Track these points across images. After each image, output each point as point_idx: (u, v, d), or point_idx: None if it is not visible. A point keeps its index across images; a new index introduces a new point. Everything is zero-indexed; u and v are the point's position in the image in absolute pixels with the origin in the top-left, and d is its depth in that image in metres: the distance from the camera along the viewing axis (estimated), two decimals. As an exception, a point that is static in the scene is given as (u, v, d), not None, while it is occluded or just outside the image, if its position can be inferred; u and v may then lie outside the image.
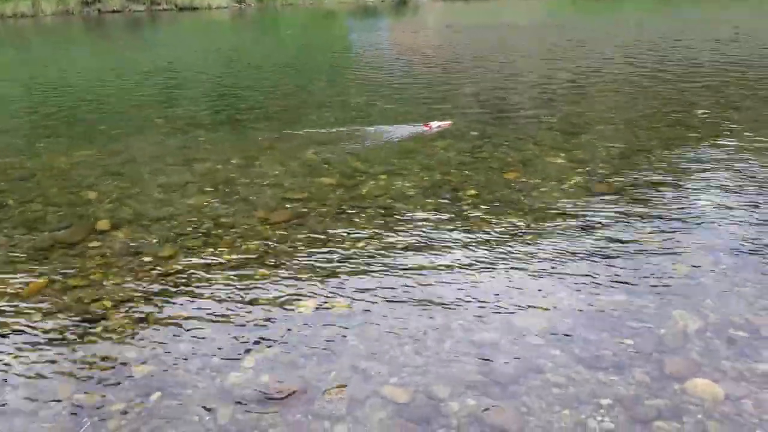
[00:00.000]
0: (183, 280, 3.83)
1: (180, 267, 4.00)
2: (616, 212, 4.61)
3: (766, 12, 21.65)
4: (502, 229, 4.41)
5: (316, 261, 4.02)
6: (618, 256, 3.94)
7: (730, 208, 4.62)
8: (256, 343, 3.17)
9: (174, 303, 3.59)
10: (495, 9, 25.75)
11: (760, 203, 4.69)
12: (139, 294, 3.70)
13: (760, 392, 2.69)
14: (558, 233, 4.30)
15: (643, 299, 3.44)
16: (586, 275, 3.72)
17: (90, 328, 3.36)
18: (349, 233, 4.42)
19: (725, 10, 23.02)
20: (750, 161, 5.63)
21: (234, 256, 4.11)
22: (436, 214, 4.70)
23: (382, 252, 4.11)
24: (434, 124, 7.25)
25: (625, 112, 7.81)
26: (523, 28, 19.14)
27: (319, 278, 3.80)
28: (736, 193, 4.91)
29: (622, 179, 5.30)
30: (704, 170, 5.45)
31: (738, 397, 2.67)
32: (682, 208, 4.66)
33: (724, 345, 3.01)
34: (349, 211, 4.80)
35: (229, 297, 3.62)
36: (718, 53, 12.32)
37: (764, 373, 2.81)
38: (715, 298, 3.42)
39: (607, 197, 4.90)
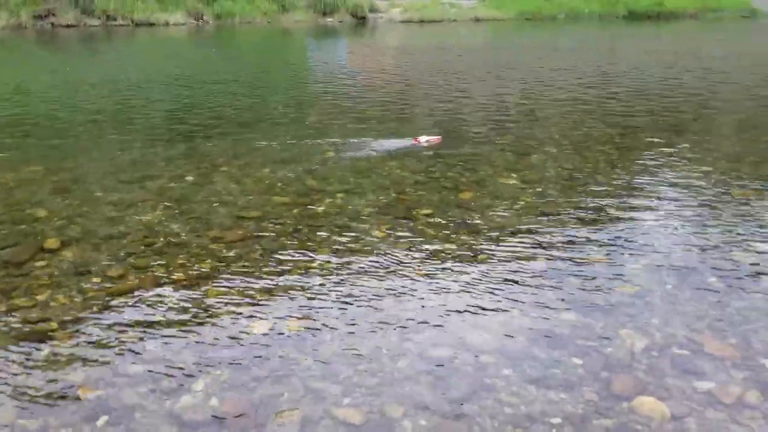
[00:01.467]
0: (133, 300, 3.76)
1: (130, 287, 3.93)
2: (565, 232, 4.72)
3: (715, 40, 22.52)
4: (456, 248, 4.47)
5: (269, 281, 4.00)
6: (568, 276, 4.03)
7: (675, 229, 4.77)
8: (208, 365, 3.13)
9: (123, 324, 3.52)
10: (449, 31, 26.17)
11: (702, 224, 4.85)
12: (87, 314, 3.62)
13: (703, 410, 2.78)
14: (510, 253, 4.37)
15: (591, 318, 3.52)
16: (537, 294, 3.79)
17: (35, 349, 3.27)
18: (304, 252, 4.42)
19: (675, 38, 23.87)
20: (693, 183, 5.83)
21: (186, 276, 4.06)
22: (390, 234, 4.73)
23: (337, 271, 4.12)
24: (423, 138, 7.37)
25: (573, 133, 8.01)
26: (476, 49, 19.50)
27: (273, 298, 3.78)
28: (680, 214, 5.08)
29: (572, 200, 5.43)
30: (650, 192, 5.62)
31: (682, 415, 2.75)
32: (629, 228, 4.79)
33: (669, 363, 3.10)
34: (305, 231, 4.80)
35: (180, 318, 3.57)
36: (664, 78, 12.75)
37: (707, 391, 2.90)
38: (660, 317, 3.52)
39: (557, 217, 5.01)
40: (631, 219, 4.98)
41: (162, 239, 4.64)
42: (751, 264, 4.17)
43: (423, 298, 3.76)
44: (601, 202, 5.35)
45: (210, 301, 3.75)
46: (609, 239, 4.59)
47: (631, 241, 4.55)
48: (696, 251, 4.38)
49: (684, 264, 4.18)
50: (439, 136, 7.51)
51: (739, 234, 4.66)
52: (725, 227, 4.79)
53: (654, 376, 3.01)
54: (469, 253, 4.39)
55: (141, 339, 3.37)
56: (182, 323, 3.51)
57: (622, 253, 4.36)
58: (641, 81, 12.38)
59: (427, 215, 5.10)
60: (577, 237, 4.63)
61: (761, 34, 24.52)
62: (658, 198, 5.45)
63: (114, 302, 3.75)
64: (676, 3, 31.42)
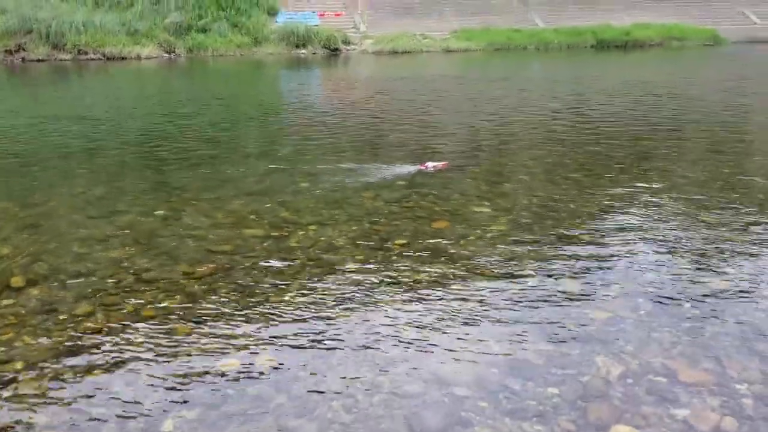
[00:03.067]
0: (100, 339, 3.67)
1: (97, 325, 3.84)
2: (539, 260, 4.72)
3: (680, 67, 23.06)
4: (431, 278, 4.44)
5: (240, 316, 3.93)
6: (542, 304, 4.02)
7: (647, 254, 4.81)
8: (177, 404, 3.04)
9: (90, 363, 3.42)
10: (421, 62, 26.50)
11: (674, 249, 4.90)
12: (53, 354, 3.52)
13: (679, 437, 2.76)
14: (484, 282, 4.36)
15: (566, 347, 3.51)
16: (512, 324, 3.77)
17: (-3, 393, 3.16)
18: (276, 286, 4.36)
19: (642, 66, 24.39)
20: (663, 209, 5.90)
21: (155, 313, 3.97)
22: (365, 265, 4.69)
23: (310, 305, 4.07)
24: (430, 164, 7.53)
25: (544, 161, 8.09)
26: (448, 80, 19.72)
27: (244, 334, 3.71)
28: (651, 239, 5.12)
29: (544, 228, 5.45)
30: (621, 218, 5.67)
31: (659, 442, 2.73)
32: (602, 255, 4.81)
33: (645, 391, 3.09)
34: (277, 264, 4.74)
35: (149, 356, 3.48)
36: (631, 105, 12.98)
37: (683, 418, 2.89)
38: (635, 344, 3.52)
39: (530, 246, 5.02)
40: (604, 246, 5.01)
41: (130, 275, 4.55)
42: (723, 289, 4.20)
43: (397, 331, 3.72)
44: (573, 230, 5.38)
45: (179, 338, 3.67)
46: (582, 267, 4.60)
47: (604, 268, 4.57)
48: (668, 277, 4.41)
49: (657, 290, 4.20)
50: (446, 162, 7.69)
51: (709, 259, 4.71)
52: (696, 252, 4.84)
53: (630, 404, 2.99)
54: (443, 283, 4.36)
55: (108, 379, 3.27)
56: (151, 361, 3.43)
57: (596, 280, 4.37)
58: (609, 108, 12.59)
59: (402, 245, 5.07)
60: (550, 265, 4.64)
61: (724, 62, 25.17)
62: (630, 224, 5.50)
63: (81, 341, 3.66)
64: (642, 33, 32.16)
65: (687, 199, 6.22)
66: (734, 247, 4.93)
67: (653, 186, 6.69)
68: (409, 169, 7.43)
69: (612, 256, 4.80)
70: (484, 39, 31.77)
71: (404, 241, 5.16)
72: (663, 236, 5.20)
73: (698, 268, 4.54)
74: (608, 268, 4.57)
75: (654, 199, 6.20)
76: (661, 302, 4.02)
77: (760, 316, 3.81)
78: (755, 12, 35.35)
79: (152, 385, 3.21)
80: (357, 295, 4.20)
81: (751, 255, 4.76)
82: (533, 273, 4.51)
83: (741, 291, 4.17)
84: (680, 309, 3.93)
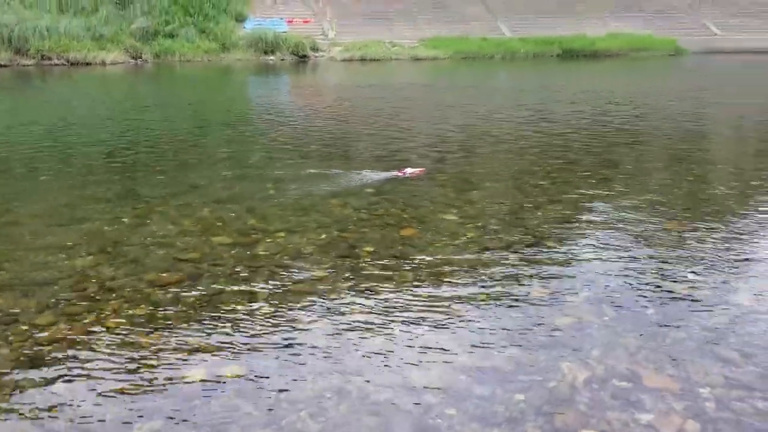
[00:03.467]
0: (63, 350, 3.59)
1: (60, 335, 3.76)
2: (506, 267, 4.76)
3: (643, 77, 23.50)
4: (399, 286, 4.45)
5: (207, 325, 3.88)
6: (510, 311, 4.05)
7: (612, 261, 4.88)
8: (142, 415, 2.99)
9: (52, 375, 3.35)
10: (390, 70, 26.59)
11: (637, 256, 4.98)
12: (14, 365, 3.43)
13: (643, 441, 2.80)
14: (452, 290, 4.38)
15: (533, 353, 3.54)
16: (480, 331, 3.79)
17: (-46, 407, 3.07)
18: (243, 294, 4.32)
19: (606, 76, 24.81)
20: (627, 216, 6.00)
21: (119, 322, 3.90)
22: (333, 273, 4.68)
23: (278, 313, 4.04)
24: (408, 170, 7.68)
25: (511, 169, 8.18)
26: (417, 88, 19.84)
27: (211, 343, 3.67)
28: (616, 246, 5.20)
29: (511, 235, 5.50)
30: (586, 225, 5.75)
31: (624, 447, 2.77)
32: (567, 261, 4.87)
33: (610, 396, 3.13)
34: (245, 271, 4.70)
35: (112, 366, 3.42)
36: (596, 114, 13.20)
37: (648, 423, 2.93)
38: (601, 349, 3.57)
39: (497, 253, 5.06)
40: (569, 252, 5.07)
41: (95, 284, 4.47)
42: (685, 294, 4.28)
43: (366, 338, 3.72)
44: (539, 237, 5.44)
45: (144, 347, 3.61)
46: (548, 273, 4.65)
47: (569, 275, 4.62)
48: (632, 282, 4.48)
49: (621, 295, 4.26)
50: (423, 168, 7.83)
51: (671, 265, 4.80)
52: (659, 258, 4.93)
53: (596, 409, 3.03)
54: (411, 291, 4.37)
55: (70, 390, 3.21)
56: (114, 372, 3.37)
57: (562, 286, 4.42)
58: (574, 117, 12.78)
59: (370, 253, 5.07)
60: (517, 272, 4.68)
61: (685, 72, 25.75)
62: (595, 231, 5.58)
63: (43, 352, 3.58)
64: (607, 43, 32.78)
65: (650, 207, 6.34)
66: (696, 253, 5.03)
67: (618, 193, 6.80)
68: (379, 176, 7.44)
69: (578, 262, 4.87)
70: (452, 47, 32.05)
71: (372, 249, 5.16)
72: (627, 243, 5.29)
73: (661, 274, 4.62)
74: (574, 275, 4.63)
75: (618, 207, 6.30)
76: (625, 308, 4.08)
77: (722, 321, 3.89)
78: (716, 23, 36.27)
79: (116, 396, 3.15)
80: (325, 302, 4.19)
81: (713, 261, 4.86)
82: (501, 279, 4.54)
83: (703, 297, 4.25)
84: (644, 314, 4.00)
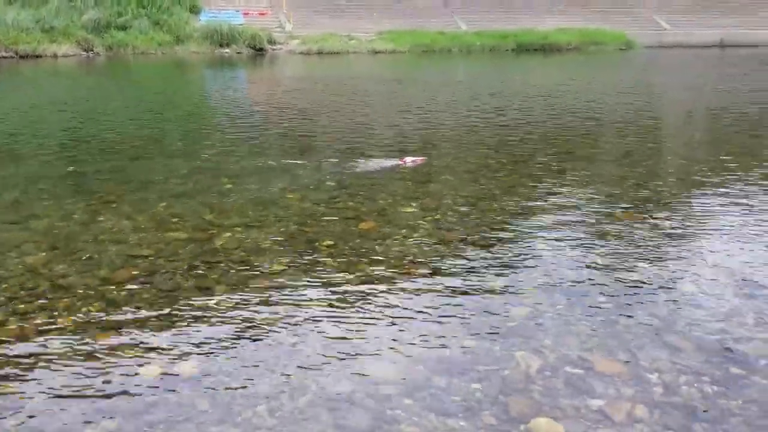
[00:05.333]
0: (12, 350, 3.51)
1: (9, 334, 3.67)
2: (463, 258, 4.82)
3: (595, 70, 23.94)
4: (357, 279, 4.46)
5: (163, 322, 3.84)
6: (467, 302, 4.11)
7: (565, 250, 4.98)
8: (96, 415, 2.95)
9: (2, 374, 3.27)
10: (349, 63, 26.52)
11: (590, 246, 5.09)
12: (-40, 368, 3.34)
13: (596, 428, 2.88)
14: (410, 282, 4.42)
15: (489, 342, 3.60)
16: (438, 322, 3.84)
17: None
18: (200, 290, 4.28)
19: (559, 69, 25.18)
20: (580, 207, 6.12)
21: (72, 321, 3.83)
22: (291, 267, 4.67)
23: (235, 308, 4.02)
24: (409, 159, 7.88)
25: (469, 162, 8.26)
26: (375, 81, 19.84)
27: (166, 340, 3.63)
28: (569, 236, 5.30)
29: (468, 226, 5.57)
30: (541, 216, 5.85)
31: (576, 432, 2.84)
32: (523, 252, 4.96)
33: (562, 383, 3.21)
34: (202, 267, 4.66)
35: (66, 366, 3.36)
36: (551, 106, 13.41)
37: (598, 408, 3.01)
38: (553, 337, 3.65)
39: (455, 244, 5.12)
40: (525, 243, 5.16)
41: (46, 282, 4.37)
42: (635, 282, 4.40)
43: (324, 332, 3.73)
44: (496, 228, 5.52)
45: (98, 346, 3.55)
46: (504, 263, 4.73)
47: (524, 265, 4.71)
48: (585, 272, 4.58)
49: (574, 284, 4.36)
50: (424, 157, 8.03)
51: (622, 254, 4.92)
52: (610, 248, 5.05)
53: (549, 396, 3.10)
54: (370, 283, 4.39)
55: (22, 390, 3.14)
56: (68, 371, 3.30)
57: (517, 276, 4.50)
58: (530, 110, 12.96)
59: (329, 246, 5.08)
60: (474, 263, 4.74)
61: (636, 65, 26.31)
62: (549, 221, 5.68)
63: (-9, 353, 3.49)
64: (560, 37, 33.27)
65: (602, 197, 6.48)
66: (645, 242, 5.18)
67: (571, 185, 6.93)
68: (338, 168, 7.44)
69: (533, 252, 4.95)
70: (410, 41, 32.13)
71: (331, 242, 5.16)
72: (580, 232, 5.40)
73: (613, 264, 4.73)
74: (529, 265, 4.71)
75: (571, 197, 6.43)
76: (578, 297, 4.18)
77: (670, 308, 4.02)
78: (665, 19, 37.13)
79: (70, 396, 3.10)
80: (283, 297, 4.18)
81: (661, 249, 5.01)
82: (458, 271, 4.60)
83: (652, 284, 4.38)
84: (596, 303, 4.09)
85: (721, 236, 5.33)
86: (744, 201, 6.31)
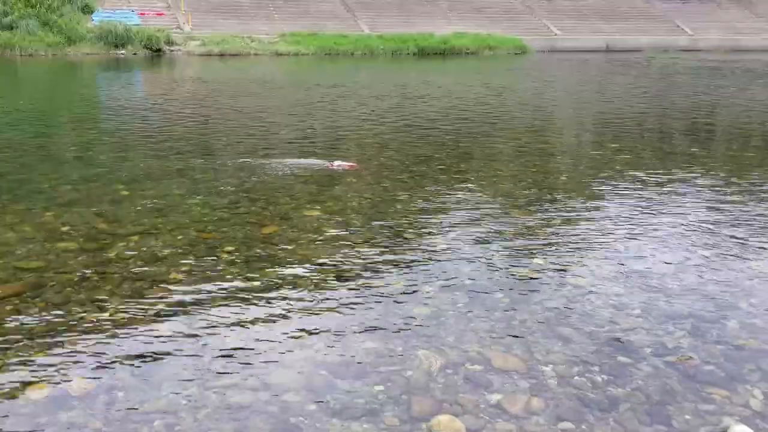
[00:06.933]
0: None
1: None
2: (366, 261, 4.85)
3: (491, 74, 24.68)
4: (259, 285, 4.40)
5: (51, 337, 3.65)
6: (369, 303, 4.14)
7: (464, 250, 5.11)
8: (-24, 441, 2.76)
9: None
10: (249, 66, 26.11)
11: (487, 243, 5.25)
12: None
13: (494, 421, 2.97)
14: (313, 286, 4.40)
15: (392, 343, 3.64)
16: (340, 325, 3.85)
17: None
18: (92, 302, 4.10)
19: (457, 73, 25.79)
20: (479, 206, 6.30)
21: (-51, 341, 3.57)
22: (191, 275, 4.55)
23: (129, 321, 3.87)
24: (336, 163, 7.82)
25: (372, 164, 8.31)
26: (277, 83, 19.64)
27: (56, 357, 3.45)
28: (468, 235, 5.45)
29: (371, 228, 5.61)
30: (441, 216, 5.98)
31: (477, 429, 2.92)
32: (423, 252, 5.05)
33: (462, 380, 3.29)
34: (94, 279, 4.46)
35: (-58, 390, 3.13)
36: (449, 109, 13.72)
37: (496, 402, 3.11)
38: (454, 335, 3.73)
39: (358, 247, 5.14)
40: (426, 244, 5.25)
41: None
42: (530, 278, 4.58)
43: (224, 340, 3.65)
44: (399, 229, 5.59)
45: (-21, 367, 3.33)
46: (405, 264, 4.80)
47: (425, 265, 4.79)
48: (483, 269, 4.72)
49: (473, 282, 4.48)
50: (354, 163, 7.94)
51: (518, 250, 5.11)
52: (507, 245, 5.23)
53: (449, 393, 3.17)
54: (272, 289, 4.35)
55: None
56: (-56, 396, 3.08)
57: (419, 277, 4.57)
58: (430, 113, 13.20)
59: (230, 252, 4.98)
60: (376, 264, 4.78)
61: (530, 69, 27.32)
62: (449, 221, 5.81)
63: None
64: (459, 41, 34.06)
65: (499, 196, 6.70)
66: (540, 239, 5.40)
67: (470, 185, 7.13)
68: (241, 172, 7.30)
69: (434, 253, 5.05)
70: (313, 43, 31.96)
71: (233, 248, 5.07)
72: (478, 231, 5.56)
73: (510, 260, 4.90)
74: (431, 265, 4.80)
75: (471, 197, 6.61)
76: (477, 294, 4.30)
77: (562, 302, 4.20)
78: (556, 25, 38.84)
79: (-54, 422, 2.89)
80: (182, 307, 4.06)
81: (554, 245, 5.23)
82: (361, 273, 4.62)
83: (546, 279, 4.57)
84: (494, 299, 4.23)
85: (611, 232, 5.62)
86: (631, 197, 6.69)
